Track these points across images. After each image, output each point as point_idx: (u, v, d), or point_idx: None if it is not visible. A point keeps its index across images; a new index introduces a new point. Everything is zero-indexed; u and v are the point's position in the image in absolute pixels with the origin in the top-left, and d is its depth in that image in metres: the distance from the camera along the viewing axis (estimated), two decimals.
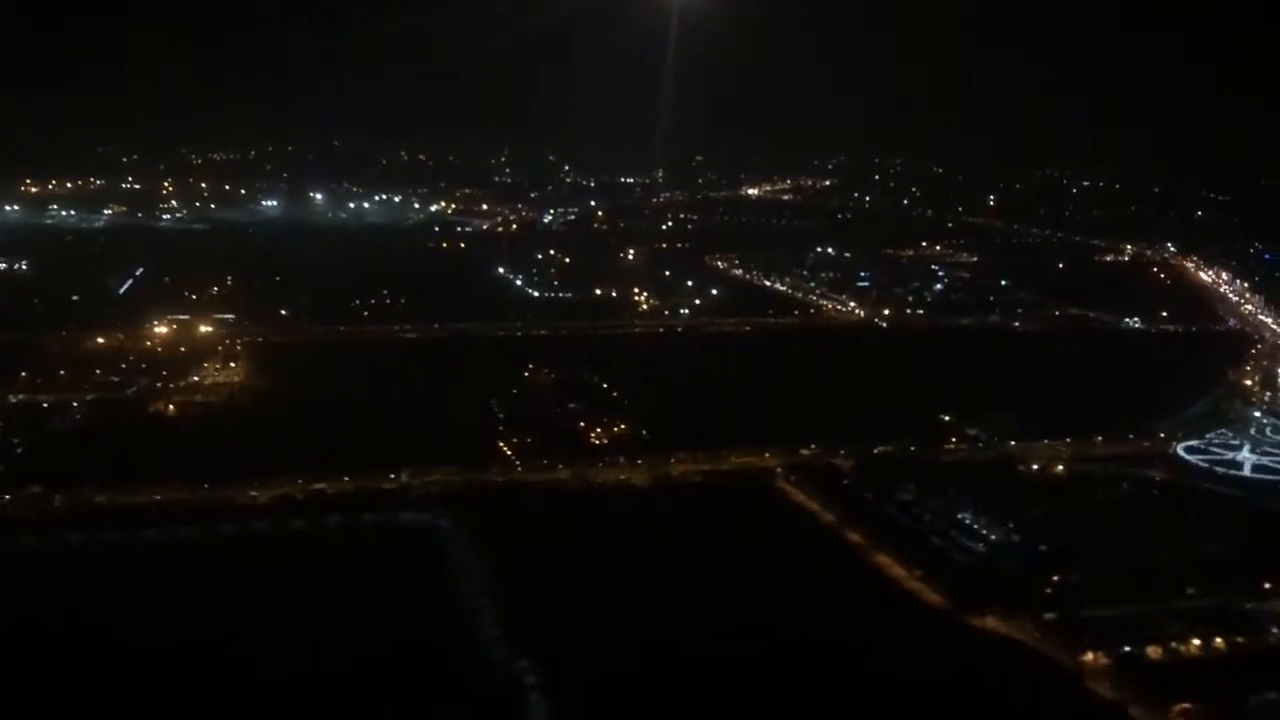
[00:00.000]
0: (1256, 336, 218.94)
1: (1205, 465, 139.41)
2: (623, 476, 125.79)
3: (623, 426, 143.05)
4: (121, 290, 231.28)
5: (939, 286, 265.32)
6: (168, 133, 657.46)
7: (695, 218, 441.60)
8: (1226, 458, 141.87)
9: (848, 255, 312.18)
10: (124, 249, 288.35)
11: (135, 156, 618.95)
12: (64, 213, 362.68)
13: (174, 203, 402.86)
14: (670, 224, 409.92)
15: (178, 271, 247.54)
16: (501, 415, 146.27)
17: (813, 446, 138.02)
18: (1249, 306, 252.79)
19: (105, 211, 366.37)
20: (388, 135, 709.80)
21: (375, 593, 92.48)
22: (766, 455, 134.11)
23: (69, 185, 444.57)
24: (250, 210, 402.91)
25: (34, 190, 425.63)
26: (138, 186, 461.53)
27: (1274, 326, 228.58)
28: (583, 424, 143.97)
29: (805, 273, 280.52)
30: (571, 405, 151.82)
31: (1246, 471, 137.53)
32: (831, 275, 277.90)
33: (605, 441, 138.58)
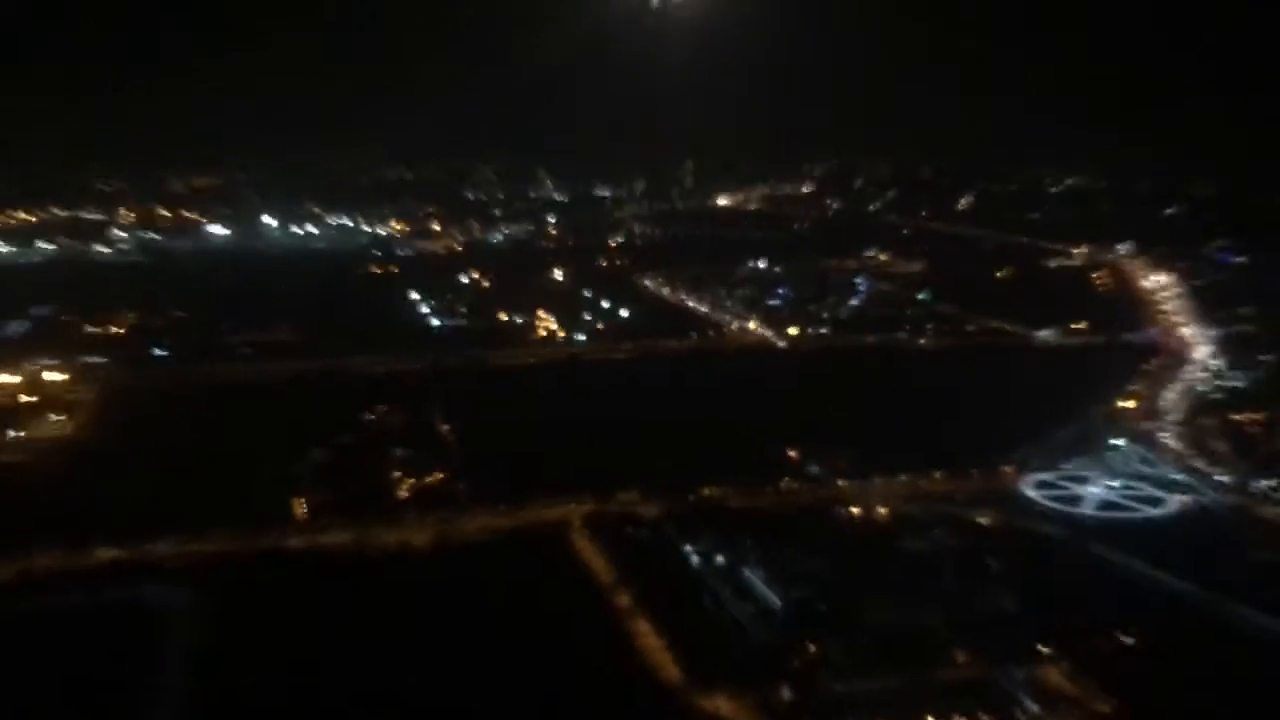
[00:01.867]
0: (1168, 350, 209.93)
1: (1046, 502, 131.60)
2: (406, 537, 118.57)
3: (440, 476, 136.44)
4: (9, 333, 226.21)
5: (855, 302, 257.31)
6: (161, 155, 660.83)
7: (654, 231, 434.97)
8: (1071, 493, 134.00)
9: (778, 269, 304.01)
10: (42, 287, 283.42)
11: (121, 185, 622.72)
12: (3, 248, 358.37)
13: (120, 233, 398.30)
14: (622, 239, 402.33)
15: (80, 310, 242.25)
16: (315, 467, 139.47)
17: (629, 493, 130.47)
18: (1178, 314, 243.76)
19: (46, 245, 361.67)
20: (382, 151, 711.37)
21: (55, 688, 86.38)
22: (575, 505, 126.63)
23: (29, 217, 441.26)
24: (198, 237, 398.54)
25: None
26: (99, 216, 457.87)
27: (1194, 336, 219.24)
28: (398, 474, 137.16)
29: (724, 290, 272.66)
30: (399, 452, 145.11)
31: (1087, 508, 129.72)
32: (749, 292, 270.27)
33: (412, 495, 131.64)
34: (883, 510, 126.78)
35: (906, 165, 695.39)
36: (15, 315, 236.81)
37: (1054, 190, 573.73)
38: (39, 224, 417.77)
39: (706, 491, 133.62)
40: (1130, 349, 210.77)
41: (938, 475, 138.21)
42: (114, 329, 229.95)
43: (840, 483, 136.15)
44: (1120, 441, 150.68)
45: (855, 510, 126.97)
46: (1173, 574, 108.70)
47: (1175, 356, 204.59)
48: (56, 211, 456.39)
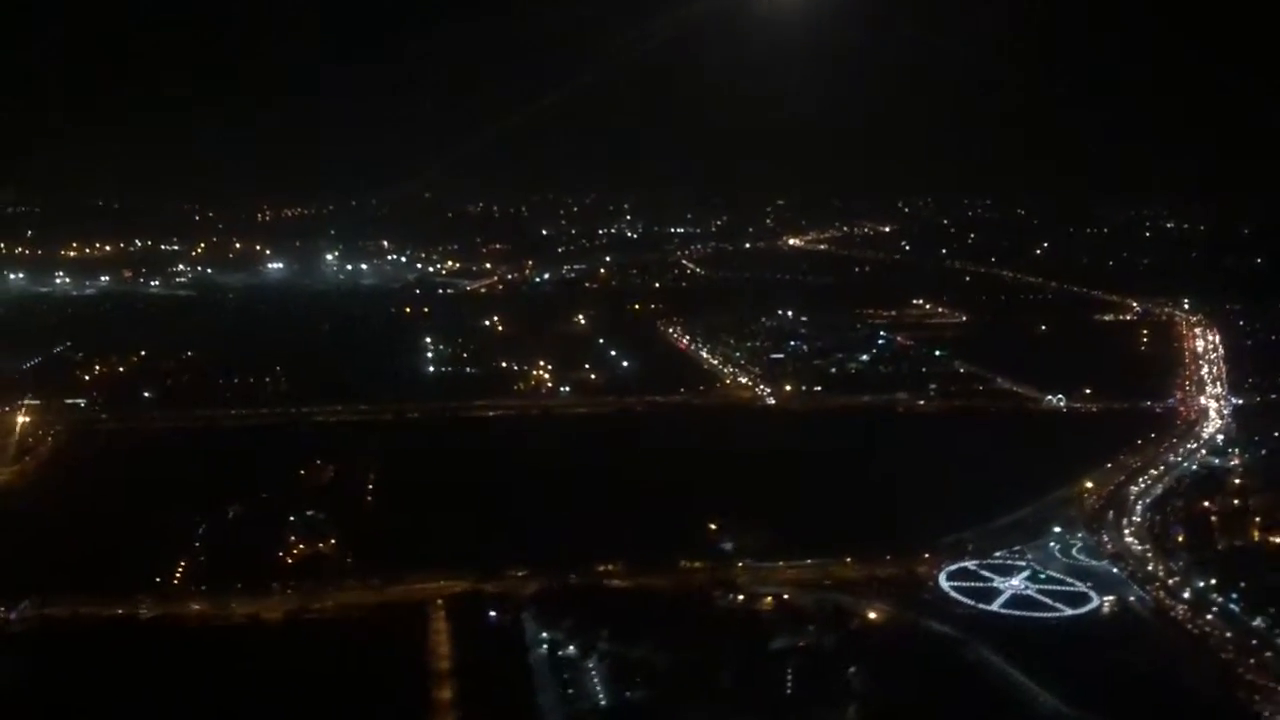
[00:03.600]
0: (1180, 423, 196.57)
1: (956, 595, 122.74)
2: (262, 609, 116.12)
3: (332, 543, 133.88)
4: (22, 369, 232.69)
5: (865, 357, 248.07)
6: (252, 186, 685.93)
7: (706, 274, 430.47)
8: (989, 585, 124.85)
9: (804, 319, 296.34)
10: (77, 322, 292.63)
11: (209, 214, 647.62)
12: (65, 280, 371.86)
13: (181, 265, 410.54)
14: (666, 282, 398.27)
15: (97, 348, 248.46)
16: (220, 527, 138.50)
17: (519, 568, 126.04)
18: (1210, 381, 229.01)
19: (103, 278, 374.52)
20: (468, 188, 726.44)
21: None
22: (451, 582, 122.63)
23: (108, 248, 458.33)
24: (254, 272, 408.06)
25: (73, 254, 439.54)
26: (175, 248, 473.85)
27: (1214, 408, 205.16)
28: (294, 538, 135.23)
29: (732, 341, 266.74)
30: (309, 513, 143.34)
31: (997, 604, 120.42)
32: (761, 344, 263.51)
33: (295, 562, 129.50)
34: (769, 600, 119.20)
35: (1004, 204, 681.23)
36: (35, 351, 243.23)
37: (1147, 234, 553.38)
38: (107, 256, 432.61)
39: (601, 569, 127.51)
40: (1139, 418, 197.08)
41: (849, 560, 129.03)
42: (119, 369, 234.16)
43: (740, 564, 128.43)
44: (1065, 529, 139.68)
45: (741, 598, 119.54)
46: (1048, 686, 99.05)
47: (1182, 429, 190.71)
48: (136, 242, 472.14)
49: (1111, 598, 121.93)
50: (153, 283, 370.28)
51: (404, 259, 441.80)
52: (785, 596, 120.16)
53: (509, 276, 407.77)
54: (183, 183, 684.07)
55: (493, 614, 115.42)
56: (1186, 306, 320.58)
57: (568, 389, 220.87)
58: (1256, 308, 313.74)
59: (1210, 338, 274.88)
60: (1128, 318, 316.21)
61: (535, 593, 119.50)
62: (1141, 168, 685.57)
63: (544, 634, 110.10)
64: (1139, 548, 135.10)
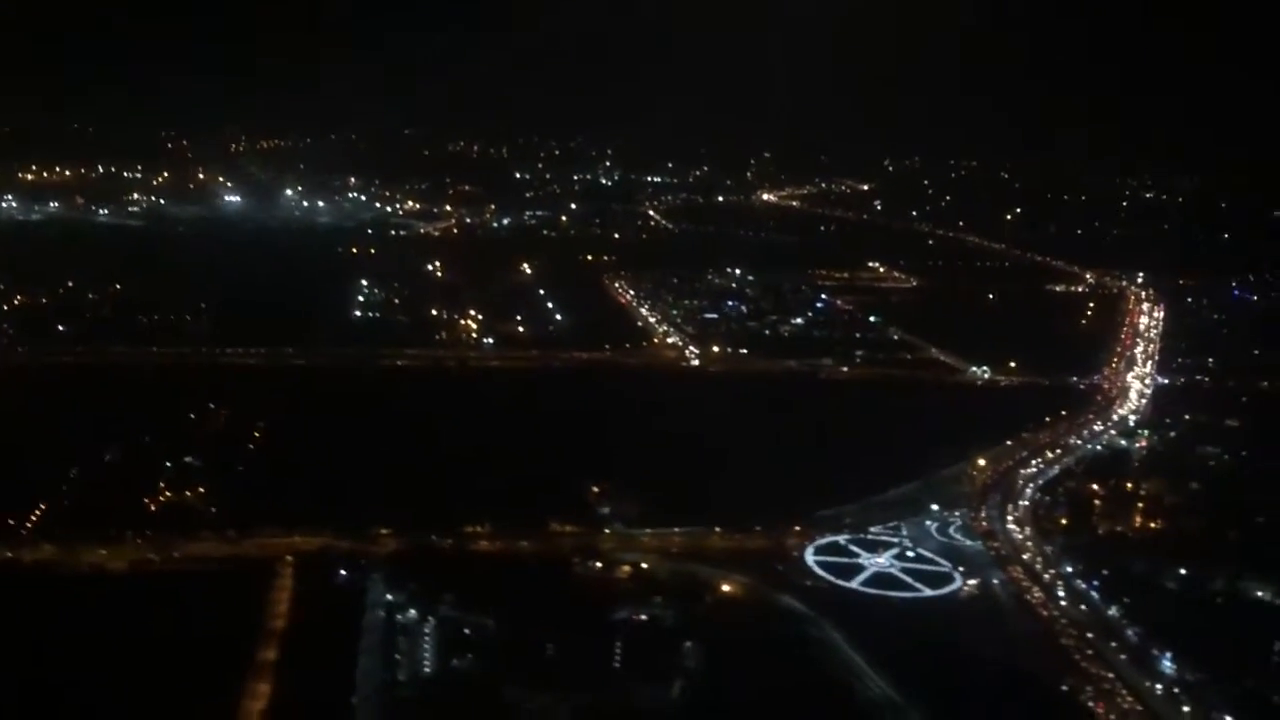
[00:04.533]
0: (1099, 400, 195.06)
1: (818, 570, 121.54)
2: (111, 558, 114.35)
3: (200, 493, 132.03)
4: None
5: (800, 321, 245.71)
6: (236, 115, 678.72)
7: (666, 225, 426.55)
8: (854, 562, 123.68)
9: (751, 278, 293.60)
10: (9, 248, 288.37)
11: (184, 142, 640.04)
12: (12, 204, 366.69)
13: (137, 195, 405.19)
14: (627, 233, 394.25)
15: (24, 276, 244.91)
16: (92, 471, 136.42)
17: (383, 526, 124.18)
18: (1142, 357, 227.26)
19: (53, 204, 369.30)
20: (457, 125, 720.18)
21: None
22: (309, 538, 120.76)
23: (68, 173, 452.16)
24: (210, 204, 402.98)
25: (30, 177, 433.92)
26: (138, 175, 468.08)
27: (1136, 385, 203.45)
28: (164, 484, 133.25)
29: (672, 299, 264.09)
30: (186, 459, 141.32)
31: (857, 581, 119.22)
32: (700, 303, 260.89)
33: (158, 510, 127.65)
34: (626, 569, 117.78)
35: (991, 167, 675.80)
36: None
37: (1124, 204, 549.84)
38: (65, 181, 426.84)
39: (469, 530, 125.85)
40: (1058, 394, 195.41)
41: (719, 530, 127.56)
42: (41, 300, 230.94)
43: (611, 530, 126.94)
44: (948, 507, 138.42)
45: (599, 566, 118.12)
46: (879, 668, 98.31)
47: (1099, 407, 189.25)
48: (99, 168, 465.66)
49: (975, 580, 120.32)
50: (102, 211, 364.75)
51: (365, 197, 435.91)
52: (644, 566, 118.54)
53: (468, 220, 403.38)
54: (167, 109, 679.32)
55: (343, 573, 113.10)
56: (1141, 280, 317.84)
57: (491, 341, 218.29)
58: (1211, 283, 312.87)
59: (1155, 313, 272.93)
60: (1079, 289, 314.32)
61: (389, 553, 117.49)
62: (1139, 135, 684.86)
63: (388, 596, 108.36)
64: (1017, 529, 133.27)
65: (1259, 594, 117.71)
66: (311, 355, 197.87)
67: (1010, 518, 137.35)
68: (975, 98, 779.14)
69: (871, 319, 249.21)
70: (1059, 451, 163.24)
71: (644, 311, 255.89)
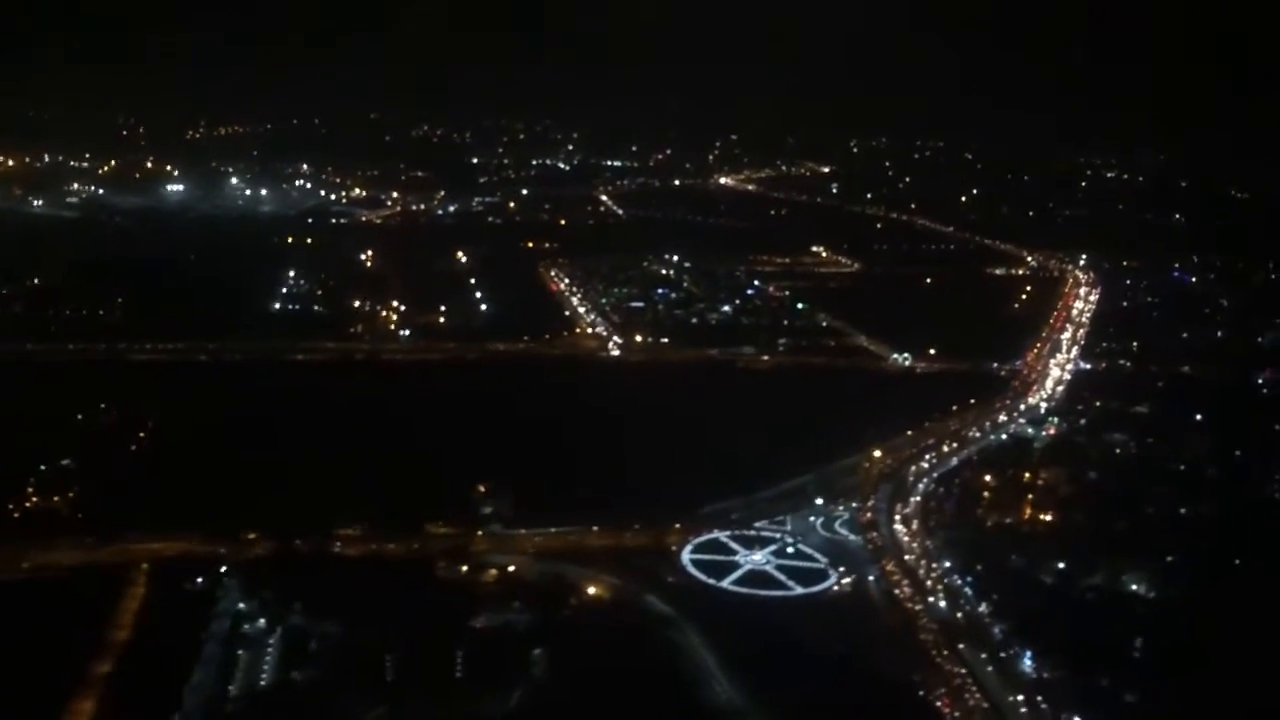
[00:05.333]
0: (1016, 387, 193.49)
1: (692, 569, 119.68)
2: None
3: (69, 496, 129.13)
4: None
5: (728, 308, 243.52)
6: (203, 100, 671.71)
7: (617, 211, 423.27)
8: (730, 559, 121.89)
9: (688, 264, 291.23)
10: None
11: (140, 129, 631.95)
12: None
13: (77, 185, 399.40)
14: (575, 219, 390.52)
15: None
16: None
17: (251, 530, 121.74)
18: (1067, 342, 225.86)
19: None
20: (428, 110, 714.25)
21: None
22: (169, 544, 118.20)
23: (11, 162, 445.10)
24: (153, 193, 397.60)
25: None
26: (85, 164, 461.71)
27: (1060, 373, 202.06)
28: (39, 485, 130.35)
29: (602, 286, 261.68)
30: (65, 461, 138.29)
31: (728, 581, 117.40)
32: (630, 290, 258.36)
33: (23, 513, 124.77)
34: (492, 572, 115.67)
35: (956, 148, 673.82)
36: None
37: (1083, 185, 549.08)
38: (7, 170, 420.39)
39: (342, 533, 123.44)
40: (976, 381, 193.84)
41: (596, 529, 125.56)
42: None
43: (489, 530, 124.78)
44: (837, 500, 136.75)
45: (465, 569, 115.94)
46: (733, 671, 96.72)
47: (1014, 394, 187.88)
48: (45, 157, 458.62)
49: (850, 576, 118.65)
50: (37, 202, 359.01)
51: (312, 185, 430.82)
52: (511, 569, 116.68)
53: (414, 207, 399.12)
54: (133, 97, 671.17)
55: (198, 580, 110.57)
56: (1083, 262, 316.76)
57: (408, 333, 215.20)
58: (1153, 265, 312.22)
59: (1090, 297, 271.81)
60: (1019, 272, 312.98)
61: (249, 559, 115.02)
62: (1108, 116, 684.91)
63: (239, 605, 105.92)
64: (903, 523, 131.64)
65: (1134, 588, 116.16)
66: (219, 349, 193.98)
67: (899, 511, 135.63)
68: (945, 78, 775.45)
69: (799, 305, 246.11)
70: (962, 441, 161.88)
71: (574, 300, 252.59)
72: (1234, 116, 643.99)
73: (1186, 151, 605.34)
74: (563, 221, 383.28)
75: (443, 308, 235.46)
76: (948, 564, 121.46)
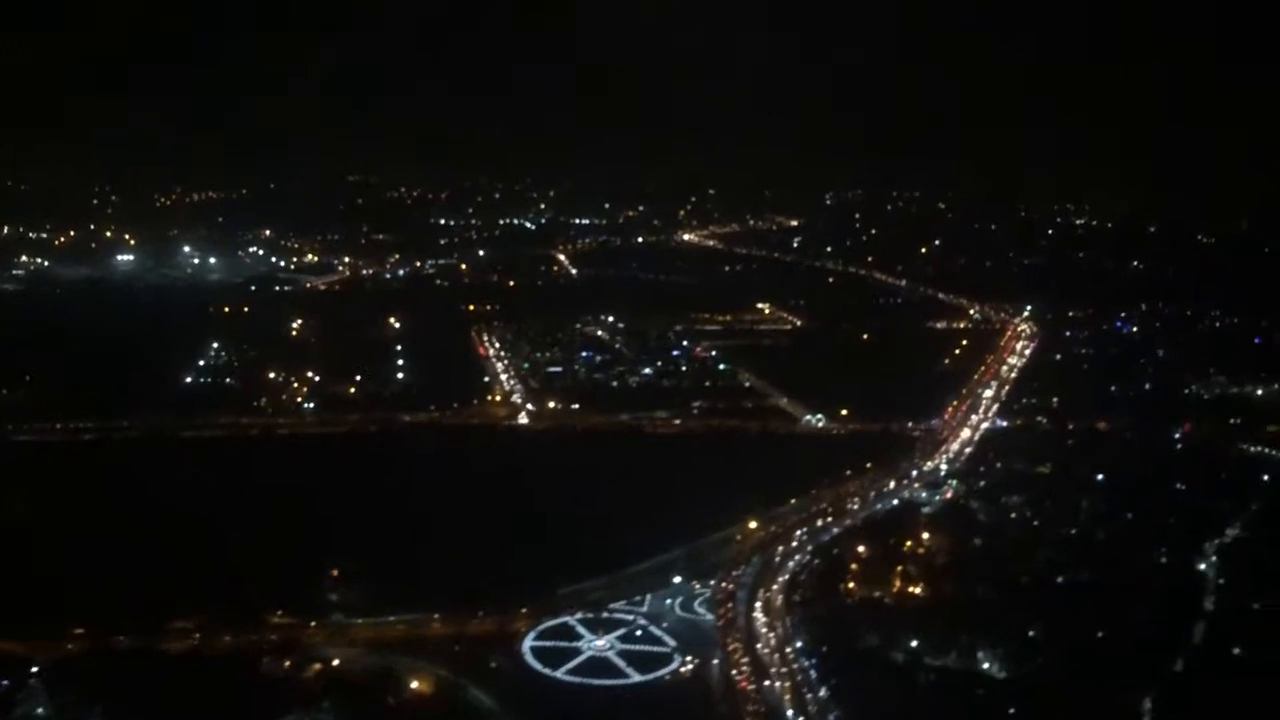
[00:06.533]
0: (925, 448, 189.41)
1: (529, 659, 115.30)
2: None
3: None
4: None
5: (649, 371, 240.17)
6: (186, 166, 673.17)
7: (572, 271, 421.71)
8: (572, 646, 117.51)
9: (622, 325, 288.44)
10: None
11: (112, 198, 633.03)
12: None
13: (25, 256, 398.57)
14: (526, 280, 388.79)
15: None
16: None
17: (83, 624, 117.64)
18: (991, 400, 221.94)
19: None
20: (411, 170, 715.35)
21: None
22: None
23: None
24: (102, 264, 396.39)
25: None
26: (43, 234, 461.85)
27: (971, 433, 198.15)
28: None
29: (527, 349, 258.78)
30: None
31: (563, 670, 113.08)
32: (556, 354, 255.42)
33: None
34: (317, 666, 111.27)
35: (932, 198, 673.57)
36: None
37: (1049, 232, 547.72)
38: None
39: (177, 624, 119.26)
40: (884, 442, 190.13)
41: (437, 617, 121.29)
42: None
43: (329, 620, 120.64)
44: (701, 576, 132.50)
45: (286, 664, 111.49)
46: None
47: (920, 455, 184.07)
48: (4, 229, 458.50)
49: (694, 661, 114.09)
50: None
51: (264, 251, 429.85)
52: (335, 663, 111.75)
53: (364, 271, 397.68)
54: (113, 162, 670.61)
55: (4, 682, 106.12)
56: (1027, 313, 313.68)
57: (313, 405, 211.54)
58: (1099, 315, 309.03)
59: (1025, 350, 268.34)
60: (960, 326, 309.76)
61: (64, 657, 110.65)
62: (1083, 161, 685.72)
63: (39, 709, 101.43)
64: (765, 601, 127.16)
65: (985, 666, 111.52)
66: (109, 428, 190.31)
67: (764, 586, 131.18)
68: (925, 128, 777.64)
69: (721, 366, 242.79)
70: (850, 508, 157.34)
71: (500, 365, 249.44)
72: (1204, 159, 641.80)
73: (1158, 196, 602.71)
74: (511, 283, 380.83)
75: (358, 377, 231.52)
76: (799, 643, 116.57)
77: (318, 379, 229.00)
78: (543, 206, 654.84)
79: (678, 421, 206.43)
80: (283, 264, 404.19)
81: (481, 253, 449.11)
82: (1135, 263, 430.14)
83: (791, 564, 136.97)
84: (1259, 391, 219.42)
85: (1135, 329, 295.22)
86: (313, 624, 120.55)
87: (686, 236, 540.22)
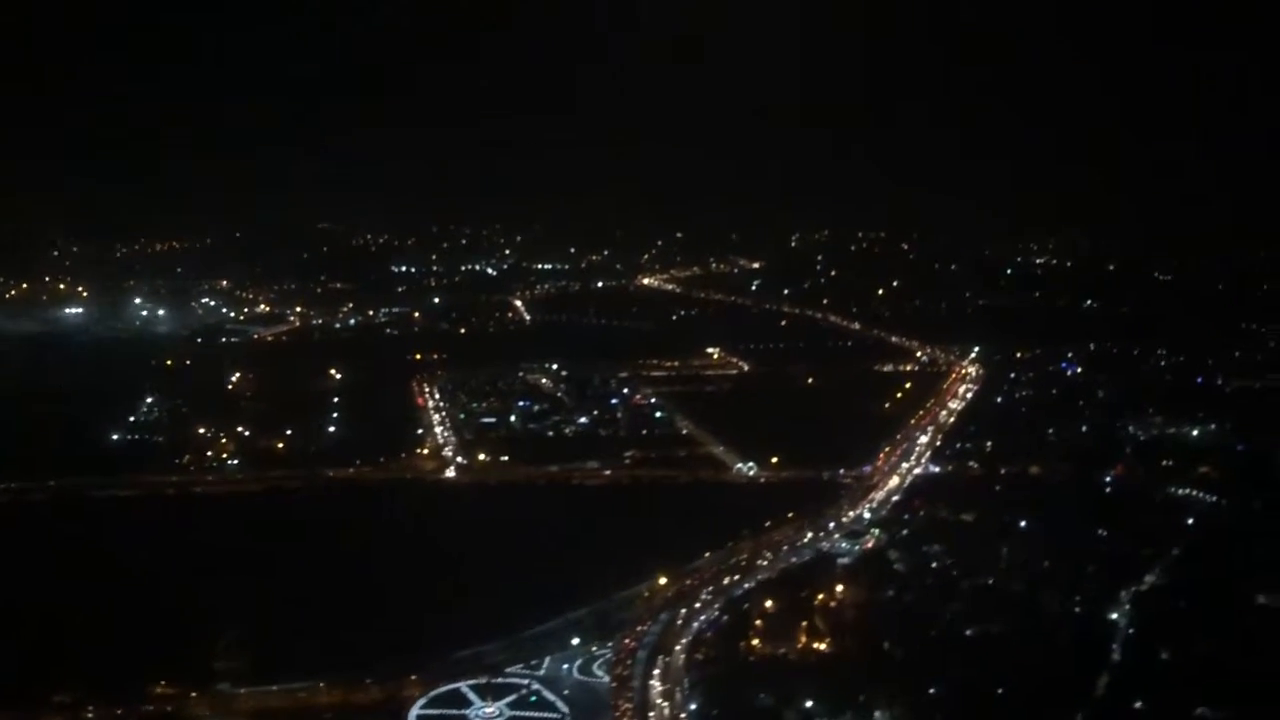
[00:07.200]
0: (851, 496, 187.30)
1: None
2: None
3: None
4: None
5: (585, 420, 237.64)
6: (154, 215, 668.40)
7: (525, 317, 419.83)
8: (460, 714, 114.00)
9: (565, 373, 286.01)
10: None
11: (73, 249, 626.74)
12: None
13: None
14: (478, 327, 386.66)
15: None
16: None
17: None
18: (928, 446, 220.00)
19: None
20: (377, 215, 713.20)
21: None
22: None
23: None
24: (46, 318, 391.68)
25: None
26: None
27: (900, 480, 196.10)
28: None
29: (465, 400, 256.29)
30: None
31: None
32: (495, 404, 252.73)
33: None
34: None
35: (897, 239, 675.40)
36: None
37: (1009, 271, 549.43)
38: None
39: (55, 699, 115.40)
40: (810, 490, 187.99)
41: (323, 685, 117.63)
42: None
43: (199, 692, 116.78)
44: (602, 637, 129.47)
45: None
46: None
47: (847, 503, 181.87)
48: None
49: None
50: None
51: (218, 302, 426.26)
52: None
53: (314, 321, 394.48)
54: (77, 214, 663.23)
55: None
56: (974, 354, 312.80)
57: (238, 461, 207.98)
58: (1046, 356, 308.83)
59: (967, 394, 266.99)
60: (906, 368, 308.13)
61: None
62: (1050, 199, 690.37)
63: None
64: (662, 663, 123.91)
65: None
66: (26, 489, 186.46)
67: (666, 647, 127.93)
68: (897, 168, 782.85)
69: (659, 414, 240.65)
70: (768, 559, 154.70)
71: (437, 416, 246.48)
72: (1166, 198, 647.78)
73: (1119, 234, 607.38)
74: (462, 330, 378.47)
75: (289, 431, 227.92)
76: (693, 706, 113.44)
77: (247, 434, 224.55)
78: (507, 252, 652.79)
79: (608, 472, 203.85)
80: (233, 315, 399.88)
81: (437, 300, 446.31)
82: (1089, 301, 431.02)
83: (697, 622, 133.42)
84: (1194, 432, 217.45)
85: (1080, 369, 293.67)
86: (194, 694, 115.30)
87: (646, 280, 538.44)
